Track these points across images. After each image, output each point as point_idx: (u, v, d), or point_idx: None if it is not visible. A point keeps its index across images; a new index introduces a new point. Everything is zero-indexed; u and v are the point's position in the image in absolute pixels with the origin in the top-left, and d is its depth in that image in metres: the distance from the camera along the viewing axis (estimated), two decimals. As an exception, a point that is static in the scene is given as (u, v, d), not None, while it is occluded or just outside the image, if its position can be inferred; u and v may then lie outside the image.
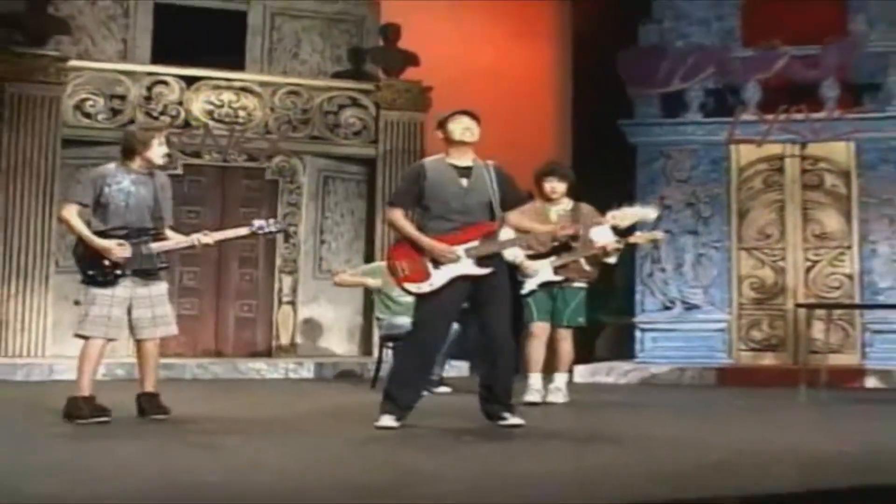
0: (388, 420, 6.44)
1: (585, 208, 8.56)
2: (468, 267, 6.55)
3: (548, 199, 8.61)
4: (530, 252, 8.36)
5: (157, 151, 7.20)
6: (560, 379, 8.61)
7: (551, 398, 8.43)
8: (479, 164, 6.74)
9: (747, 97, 12.62)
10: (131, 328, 7.12)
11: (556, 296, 8.52)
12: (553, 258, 8.42)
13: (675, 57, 12.92)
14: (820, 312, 10.81)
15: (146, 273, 7.04)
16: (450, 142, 6.76)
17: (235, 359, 12.60)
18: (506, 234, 7.66)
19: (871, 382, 11.26)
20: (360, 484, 4.47)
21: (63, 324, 12.38)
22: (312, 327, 13.45)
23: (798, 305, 11.54)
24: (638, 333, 12.37)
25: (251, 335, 13.32)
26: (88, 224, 7.05)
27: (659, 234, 9.48)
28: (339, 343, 13.58)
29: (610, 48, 13.18)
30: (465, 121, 6.73)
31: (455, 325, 9.21)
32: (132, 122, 12.53)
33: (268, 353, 13.17)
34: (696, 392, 10.73)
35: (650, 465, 5.11)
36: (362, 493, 4.20)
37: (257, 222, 7.52)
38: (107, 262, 6.90)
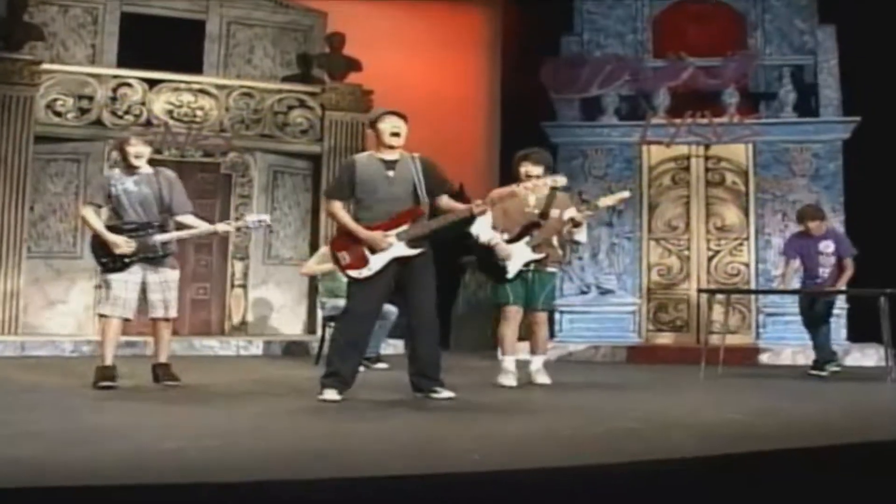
0: (330, 394, 6.44)
1: (561, 193, 8.22)
2: (401, 250, 6.57)
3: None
4: (506, 237, 7.97)
5: (129, 152, 7.61)
6: (540, 361, 8.24)
7: (540, 380, 8.10)
8: (406, 157, 6.75)
9: (657, 103, 12.77)
10: (148, 308, 7.62)
11: (532, 280, 8.07)
12: (527, 238, 7.99)
13: (594, 66, 13.04)
14: (720, 297, 10.89)
15: (151, 260, 7.49)
16: (380, 140, 6.78)
17: (191, 337, 12.52)
18: (486, 219, 7.76)
19: (764, 360, 11.44)
20: (300, 449, 4.49)
21: (34, 305, 12.31)
22: (262, 308, 13.42)
23: (700, 291, 11.68)
24: (557, 315, 12.43)
25: (206, 315, 13.28)
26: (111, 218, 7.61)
27: (625, 193, 8.96)
28: (286, 323, 13.55)
29: (535, 56, 13.26)
30: (394, 121, 6.74)
31: (394, 308, 9.25)
32: (99, 120, 12.56)
33: (221, 332, 13.14)
34: (608, 368, 10.84)
35: (564, 432, 5.17)
36: (302, 458, 4.23)
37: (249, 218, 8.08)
38: (116, 252, 7.38)
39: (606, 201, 8.40)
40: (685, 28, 13.03)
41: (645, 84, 12.97)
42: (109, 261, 7.42)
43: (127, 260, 7.39)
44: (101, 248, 7.46)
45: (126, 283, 7.41)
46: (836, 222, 12.04)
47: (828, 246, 9.79)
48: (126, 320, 7.55)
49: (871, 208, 11.71)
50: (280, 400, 6.86)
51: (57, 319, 12.41)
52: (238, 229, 8.35)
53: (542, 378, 8.11)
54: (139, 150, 7.61)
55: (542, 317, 8.25)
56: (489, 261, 8.04)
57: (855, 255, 9.83)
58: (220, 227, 7.89)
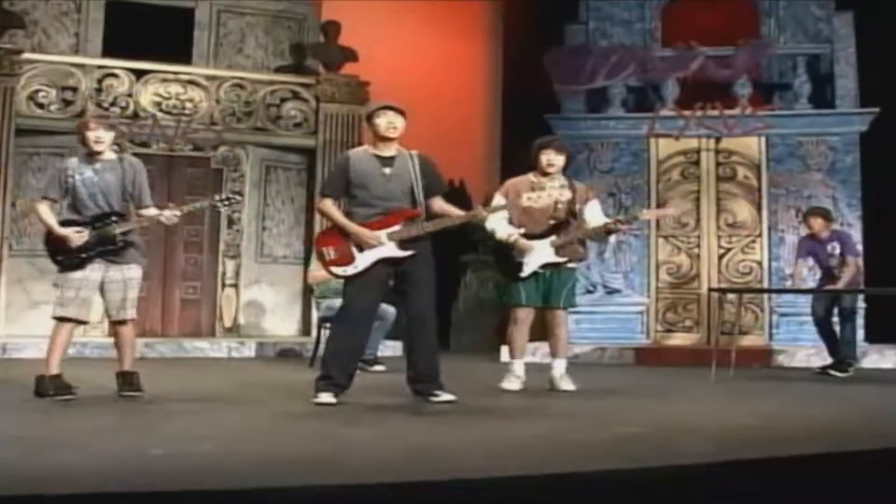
0: (326, 397, 6.46)
1: (579, 185, 8.05)
2: (390, 250, 6.60)
3: (543, 173, 7.88)
4: (522, 231, 7.69)
5: (88, 137, 7.10)
6: (562, 365, 7.99)
7: (564, 386, 7.85)
8: (403, 154, 6.79)
9: (666, 94, 12.77)
10: (105, 310, 7.18)
11: (550, 277, 7.82)
12: (553, 238, 7.75)
13: (600, 56, 13.04)
14: (731, 296, 10.90)
15: (111, 253, 6.99)
16: (376, 135, 6.81)
17: (181, 338, 12.54)
18: (498, 200, 7.71)
19: (777, 361, 11.44)
20: (295, 455, 4.49)
21: (16, 305, 12.29)
22: (254, 309, 13.42)
23: (711, 290, 11.65)
24: (562, 315, 12.43)
25: (196, 316, 13.27)
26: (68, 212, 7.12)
27: (671, 210, 8.32)
28: (280, 324, 13.55)
29: (539, 46, 13.25)
30: (390, 115, 6.76)
31: (392, 308, 9.26)
32: (83, 112, 12.49)
33: (211, 333, 13.13)
34: (615, 370, 10.83)
35: (569, 437, 5.17)
36: (297, 464, 4.23)
37: (216, 196, 7.71)
38: (72, 247, 6.91)
39: (648, 214, 8.14)
40: (695, 15, 13.02)
41: (653, 74, 12.97)
42: (65, 258, 6.98)
43: (84, 255, 6.94)
44: (55, 246, 7.03)
45: (83, 280, 6.96)
46: (853, 218, 12.07)
47: (835, 248, 9.93)
48: (82, 322, 7.13)
49: (890, 203, 11.71)
50: (274, 403, 6.86)
51: (41, 321, 12.34)
52: (184, 213, 7.54)
53: (567, 384, 7.90)
54: (99, 135, 7.10)
55: (562, 316, 8.00)
56: (505, 257, 7.86)
57: (858, 255, 9.92)
58: (166, 213, 7.21)
